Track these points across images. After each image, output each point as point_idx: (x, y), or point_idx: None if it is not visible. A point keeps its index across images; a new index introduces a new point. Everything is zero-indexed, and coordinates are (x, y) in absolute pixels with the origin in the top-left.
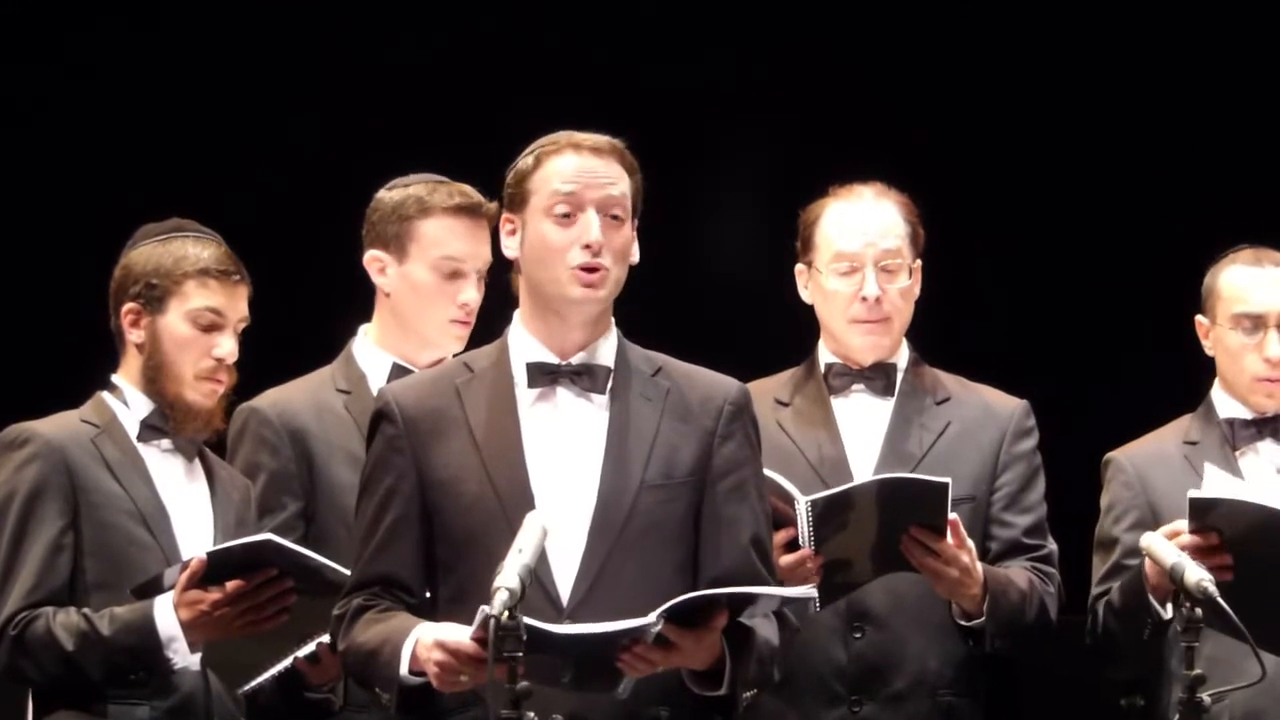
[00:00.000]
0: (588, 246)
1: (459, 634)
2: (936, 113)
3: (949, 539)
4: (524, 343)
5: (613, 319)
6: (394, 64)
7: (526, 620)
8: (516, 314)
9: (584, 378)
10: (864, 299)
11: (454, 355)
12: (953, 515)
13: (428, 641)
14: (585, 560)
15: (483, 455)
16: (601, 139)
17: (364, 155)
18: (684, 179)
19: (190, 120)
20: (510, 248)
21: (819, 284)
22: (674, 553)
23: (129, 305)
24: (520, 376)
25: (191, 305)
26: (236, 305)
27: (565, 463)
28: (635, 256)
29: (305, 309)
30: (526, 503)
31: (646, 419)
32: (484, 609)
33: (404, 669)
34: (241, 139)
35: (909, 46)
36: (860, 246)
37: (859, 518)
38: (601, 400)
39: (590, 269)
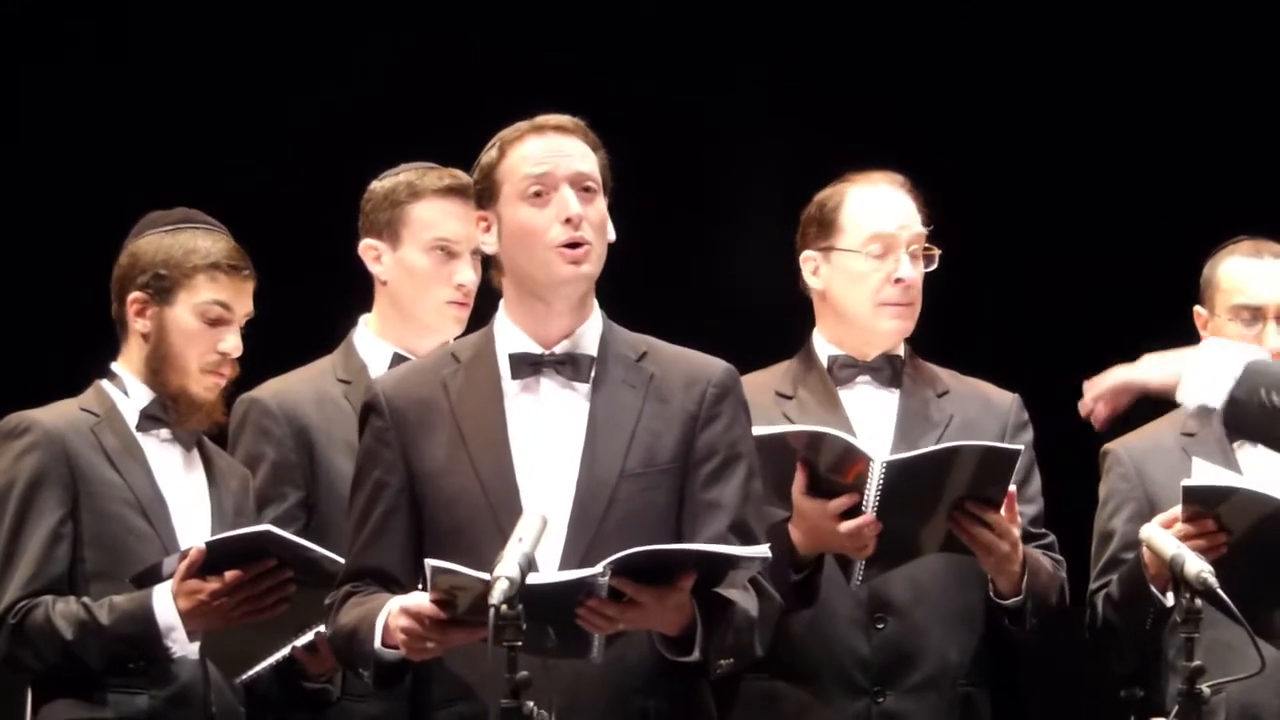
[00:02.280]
0: (568, 221)
1: (423, 599)
2: (934, 102)
3: (1002, 511)
4: (508, 333)
5: (596, 303)
6: (397, 56)
7: (476, 574)
8: (501, 303)
9: (567, 367)
10: (899, 281)
11: (455, 339)
12: (1011, 487)
13: (396, 610)
14: (566, 551)
15: (468, 448)
16: (563, 118)
17: (365, 146)
18: (703, 195)
19: (192, 110)
20: (488, 244)
21: (843, 267)
22: (658, 539)
23: (135, 294)
24: (505, 367)
25: (200, 299)
26: (243, 300)
27: (548, 454)
28: (612, 234)
29: (306, 300)
30: (511, 495)
31: (628, 407)
32: (429, 562)
33: (378, 642)
34: (242, 129)
35: (906, 39)
36: (895, 228)
37: (928, 486)
38: (585, 389)
39: (573, 244)
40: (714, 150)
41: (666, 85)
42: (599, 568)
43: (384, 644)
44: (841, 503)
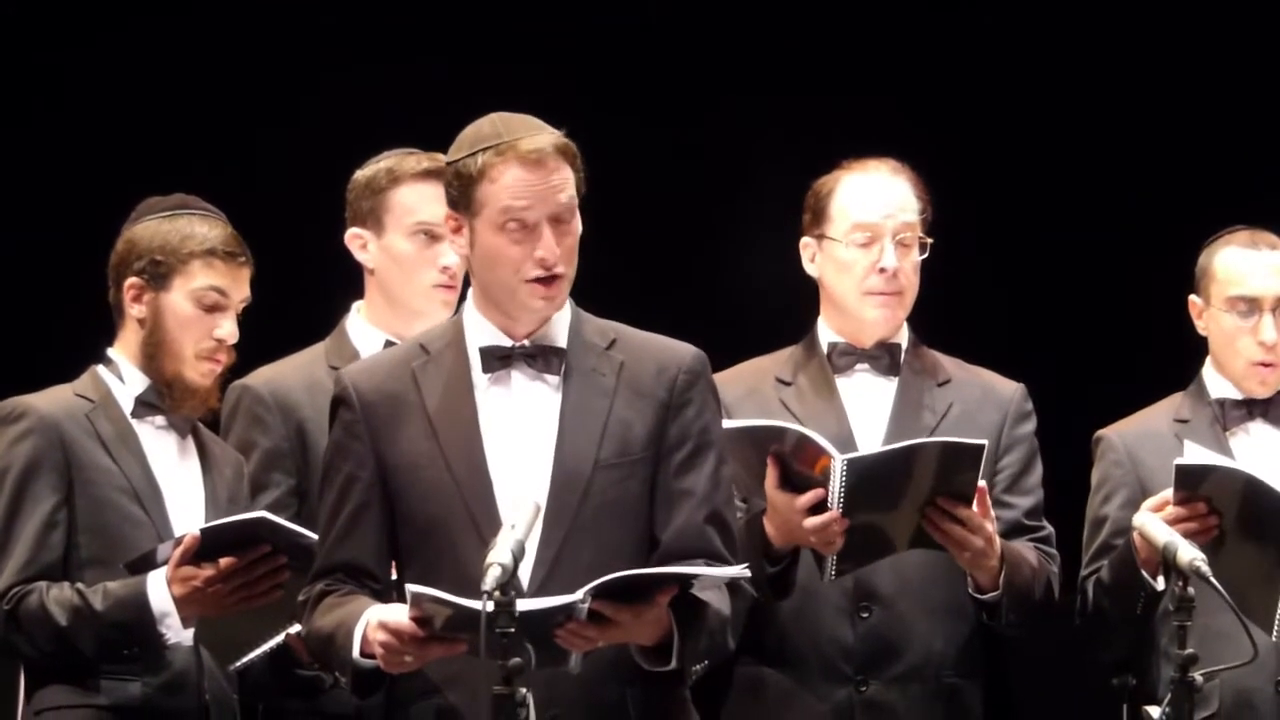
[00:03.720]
0: (543, 260)
1: (401, 614)
2: (935, 93)
3: (974, 507)
4: (477, 325)
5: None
6: (394, 44)
7: (458, 600)
8: (470, 294)
9: (538, 360)
10: (882, 270)
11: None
12: (980, 482)
13: (374, 623)
14: (543, 543)
15: (440, 441)
16: (544, 143)
17: (359, 134)
18: (716, 207)
19: (187, 96)
20: (459, 245)
21: (831, 256)
22: (634, 530)
23: (132, 280)
24: (475, 360)
25: (196, 284)
26: (240, 286)
27: (521, 447)
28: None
29: (300, 286)
30: (485, 489)
31: (600, 397)
32: (410, 588)
33: (356, 652)
34: (238, 115)
35: (913, 30)
36: (879, 218)
37: (892, 483)
38: (555, 381)
39: (547, 280)
40: (718, 146)
41: (668, 82)
42: (579, 594)
43: (362, 654)
44: (808, 498)
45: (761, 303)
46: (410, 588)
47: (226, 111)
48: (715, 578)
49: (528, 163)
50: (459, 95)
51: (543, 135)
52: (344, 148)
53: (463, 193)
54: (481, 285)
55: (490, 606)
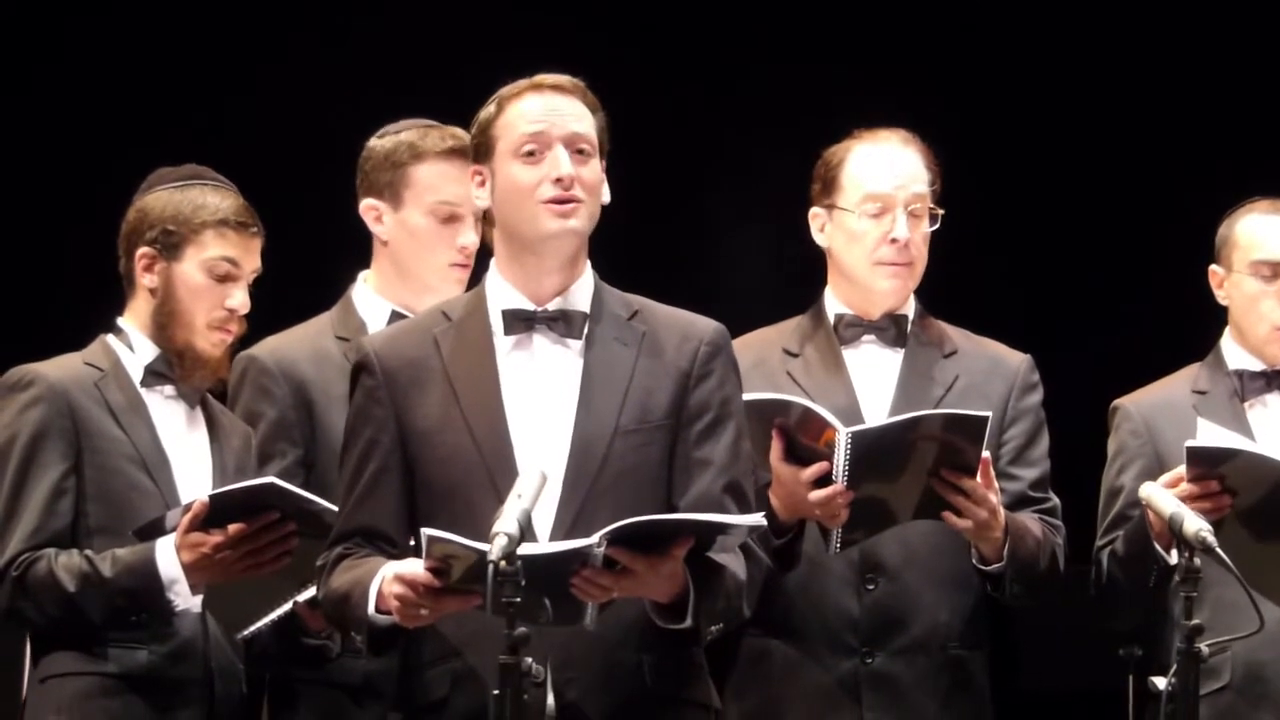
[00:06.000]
0: (559, 180)
1: (416, 566)
2: (940, 59)
3: (978, 478)
4: (500, 290)
5: (589, 262)
6: (394, 8)
7: (472, 544)
8: (493, 261)
9: (560, 323)
10: (894, 241)
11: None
12: (984, 453)
13: (389, 576)
14: (561, 507)
15: (462, 406)
16: (563, 77)
17: (363, 98)
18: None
19: (189, 63)
20: (481, 198)
21: (842, 225)
22: (652, 496)
23: (144, 250)
24: (497, 324)
25: (208, 255)
26: (251, 257)
27: (542, 410)
28: (607, 196)
29: (303, 256)
30: (506, 452)
31: (622, 363)
32: (425, 531)
33: (371, 608)
34: (239, 81)
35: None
36: (891, 188)
37: (896, 455)
38: (578, 346)
39: (563, 200)
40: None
41: (664, 51)
42: (595, 538)
43: (377, 610)
44: (813, 471)
45: (757, 279)
46: (425, 531)
47: (230, 77)
48: (732, 526)
49: (541, 90)
50: (458, 63)
51: (562, 75)
52: (344, 112)
53: (482, 138)
54: (505, 230)
55: (497, 551)
